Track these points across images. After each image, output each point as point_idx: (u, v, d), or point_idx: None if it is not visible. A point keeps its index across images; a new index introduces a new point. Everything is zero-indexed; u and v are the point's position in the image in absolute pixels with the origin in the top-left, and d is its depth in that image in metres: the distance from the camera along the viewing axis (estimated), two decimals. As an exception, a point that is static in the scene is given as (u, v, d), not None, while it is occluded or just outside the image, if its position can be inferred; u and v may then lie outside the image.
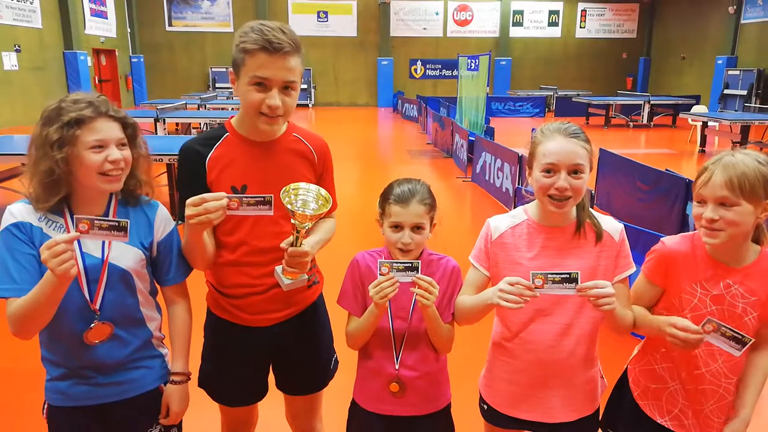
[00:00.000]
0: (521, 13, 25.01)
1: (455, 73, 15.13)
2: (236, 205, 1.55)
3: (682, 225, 5.28)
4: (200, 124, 12.10)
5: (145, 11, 23.29)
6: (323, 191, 1.71)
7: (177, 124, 12.56)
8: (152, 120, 9.87)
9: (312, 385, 2.06)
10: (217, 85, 22.75)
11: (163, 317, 1.79)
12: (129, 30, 22.75)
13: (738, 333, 1.44)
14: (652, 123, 17.05)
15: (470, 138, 9.53)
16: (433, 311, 1.69)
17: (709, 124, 12.11)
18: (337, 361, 2.10)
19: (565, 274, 1.49)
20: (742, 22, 19.66)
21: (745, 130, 11.08)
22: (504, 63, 24.61)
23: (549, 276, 1.49)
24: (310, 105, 24.20)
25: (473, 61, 11.84)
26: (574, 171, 1.61)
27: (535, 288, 1.49)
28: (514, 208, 1.86)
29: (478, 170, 8.78)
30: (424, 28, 24.73)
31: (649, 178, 6.03)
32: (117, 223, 1.41)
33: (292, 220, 1.62)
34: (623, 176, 6.58)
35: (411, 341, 1.78)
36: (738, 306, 1.58)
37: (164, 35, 23.77)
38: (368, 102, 25.05)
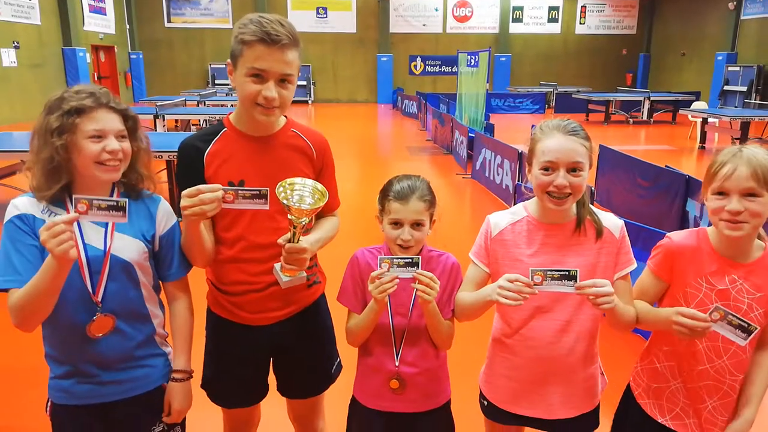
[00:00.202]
0: (521, 9, 24.97)
1: (455, 69, 15.11)
2: (232, 197, 1.55)
3: (682, 221, 5.28)
4: (200, 120, 12.08)
5: (144, 7, 23.25)
6: (319, 186, 1.70)
7: (176, 120, 12.53)
8: (151, 117, 9.86)
9: (312, 389, 2.04)
10: (216, 81, 22.70)
11: (166, 316, 1.79)
12: (128, 26, 22.71)
13: (744, 321, 1.45)
14: (652, 119, 17.04)
15: (470, 134, 9.53)
16: (433, 307, 1.69)
17: (709, 120, 12.11)
18: (340, 365, 2.08)
19: (564, 271, 1.49)
20: (742, 18, 19.63)
21: (745, 126, 11.08)
22: (504, 59, 24.58)
23: (548, 273, 1.49)
24: (309, 102, 24.17)
25: (473, 57, 11.83)
26: (573, 169, 1.61)
27: (534, 285, 1.49)
28: (514, 204, 1.85)
29: (477, 167, 8.78)
30: (424, 25, 24.69)
31: (649, 174, 6.03)
32: (116, 203, 1.41)
33: (289, 216, 1.61)
34: (623, 173, 6.58)
35: (411, 338, 1.78)
36: (744, 301, 1.58)
37: (163, 32, 23.73)
38: (368, 98, 25.02)
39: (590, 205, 1.73)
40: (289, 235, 1.65)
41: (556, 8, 25.15)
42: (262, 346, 1.91)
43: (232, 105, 13.06)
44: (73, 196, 1.42)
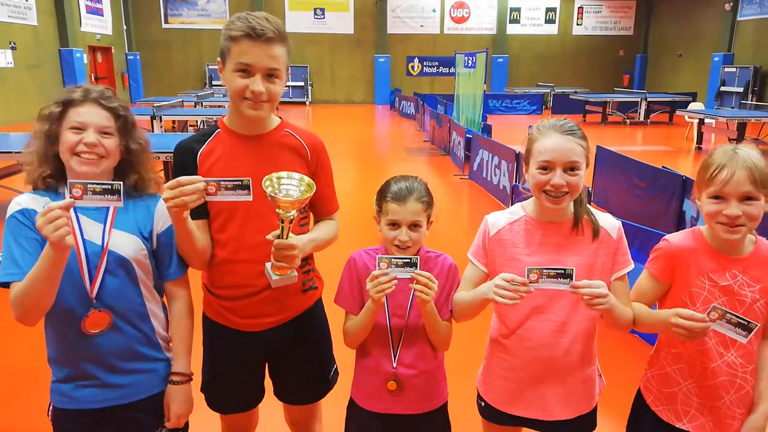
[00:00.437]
0: (518, 10, 25.00)
1: (452, 70, 15.11)
2: (214, 189, 1.54)
3: (679, 222, 5.30)
4: (197, 121, 12.06)
5: (141, 8, 23.22)
6: (307, 178, 1.67)
7: (174, 121, 12.51)
8: (149, 118, 9.84)
9: (309, 396, 2.03)
10: (213, 82, 22.67)
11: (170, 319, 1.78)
12: (125, 27, 22.68)
13: (743, 319, 1.45)
14: (648, 120, 17.07)
15: (467, 135, 9.53)
16: (431, 307, 1.69)
17: (706, 121, 12.14)
18: (337, 372, 2.07)
19: (560, 269, 1.49)
20: (739, 19, 19.69)
21: (742, 127, 11.11)
22: (501, 60, 24.61)
23: (544, 271, 1.49)
24: (307, 102, 24.16)
25: (470, 58, 11.83)
26: (570, 168, 1.61)
27: (530, 283, 1.50)
28: (512, 205, 1.86)
29: (475, 168, 8.78)
30: (421, 26, 24.71)
31: (646, 175, 6.04)
32: (110, 186, 1.42)
33: (277, 210, 1.59)
34: (620, 173, 6.59)
35: (408, 339, 1.78)
36: (747, 295, 1.60)
37: (160, 32, 23.70)
38: (365, 99, 25.02)
39: (588, 205, 1.73)
40: (278, 231, 1.62)
41: (554, 9, 25.20)
42: (255, 351, 1.89)
43: (229, 106, 13.02)
44: (68, 181, 1.44)
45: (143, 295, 1.66)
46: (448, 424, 1.90)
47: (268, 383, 2.01)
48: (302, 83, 23.90)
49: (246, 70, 1.65)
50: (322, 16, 24.16)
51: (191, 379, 1.75)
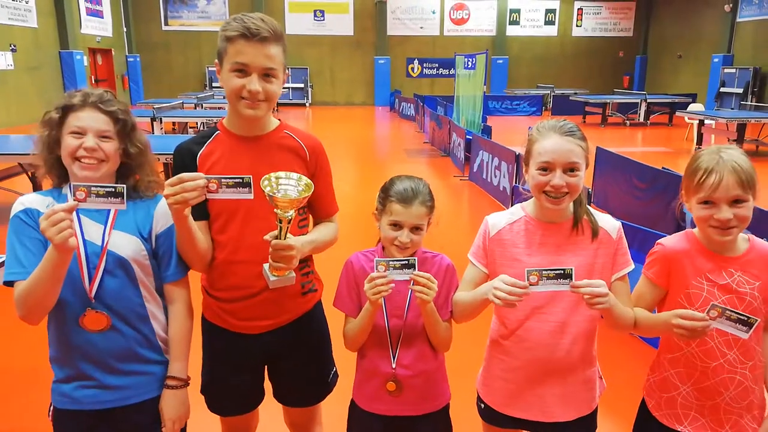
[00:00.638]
0: (518, 11, 25.02)
1: (452, 71, 15.13)
2: (215, 186, 1.54)
3: (679, 223, 5.29)
4: (197, 123, 12.07)
5: (141, 10, 23.24)
6: (305, 178, 1.67)
7: (174, 123, 12.52)
8: (149, 119, 9.85)
9: (308, 398, 2.03)
10: (213, 84, 22.68)
11: None
12: (125, 29, 22.70)
13: (743, 315, 1.47)
14: (648, 121, 17.07)
15: (467, 137, 9.53)
16: (431, 307, 1.69)
17: (706, 122, 12.14)
18: (336, 374, 2.07)
19: (559, 270, 1.49)
20: (738, 20, 19.70)
21: (741, 128, 11.10)
22: (501, 62, 24.62)
23: (543, 272, 1.49)
24: (307, 104, 24.17)
25: (470, 59, 11.84)
26: (570, 169, 1.61)
27: (530, 285, 1.50)
28: (512, 206, 1.86)
29: (475, 169, 8.79)
30: (421, 27, 24.73)
31: (646, 176, 6.04)
32: (113, 189, 1.43)
33: (275, 210, 1.58)
34: (620, 174, 6.59)
35: (407, 340, 1.78)
36: (746, 292, 1.61)
37: (160, 34, 23.72)
38: (365, 101, 25.03)
39: (587, 206, 1.74)
40: (276, 231, 1.61)
41: (553, 11, 25.22)
42: (254, 354, 1.89)
43: (228, 108, 13.02)
44: (72, 184, 1.47)
45: (143, 296, 1.67)
46: (449, 426, 1.90)
47: (267, 385, 2.01)
48: (302, 85, 23.91)
49: (242, 70, 1.66)
50: (322, 18, 24.18)
51: (188, 384, 1.74)
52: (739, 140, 10.86)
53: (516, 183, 6.70)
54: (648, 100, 17.19)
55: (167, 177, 1.58)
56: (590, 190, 7.04)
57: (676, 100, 17.19)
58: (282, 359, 1.93)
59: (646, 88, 24.21)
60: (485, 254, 1.76)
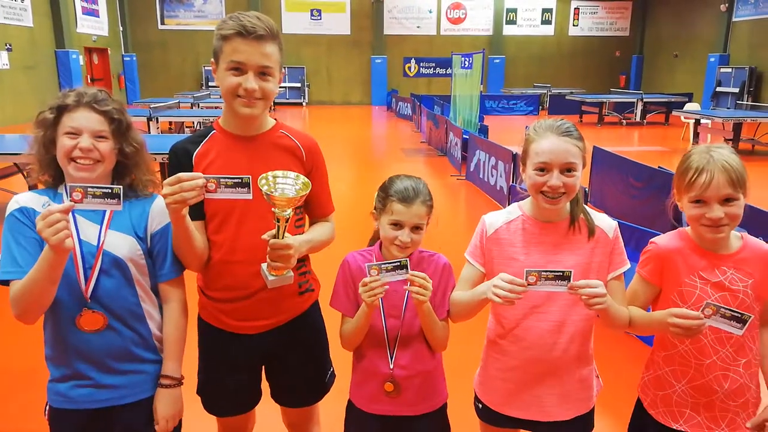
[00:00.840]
0: (514, 11, 25.04)
1: (449, 71, 15.13)
2: (214, 186, 1.54)
3: (675, 222, 5.30)
4: (193, 122, 12.04)
5: (138, 9, 23.17)
6: (302, 177, 1.66)
7: (170, 122, 12.49)
8: (145, 119, 9.82)
9: (305, 398, 2.03)
10: (210, 83, 22.65)
11: None
12: (121, 28, 22.63)
13: (737, 312, 1.48)
14: (645, 121, 17.12)
15: (464, 136, 9.54)
16: (428, 307, 1.69)
17: (702, 121, 12.17)
18: (333, 374, 2.07)
19: (558, 271, 1.50)
20: (734, 19, 19.75)
21: (737, 127, 11.13)
22: (498, 61, 24.63)
23: (542, 273, 1.50)
24: (303, 103, 24.15)
25: (467, 59, 11.84)
26: (567, 169, 1.62)
27: (528, 285, 1.50)
28: (509, 205, 1.86)
29: (472, 168, 8.79)
30: (418, 26, 24.72)
31: (642, 175, 6.06)
32: (110, 190, 1.43)
33: (273, 209, 1.58)
34: (616, 174, 6.60)
35: (404, 340, 1.78)
36: (739, 289, 1.62)
37: (157, 33, 23.66)
38: (362, 100, 25.02)
39: (584, 205, 1.74)
40: (273, 231, 1.61)
41: (550, 10, 25.24)
42: (251, 354, 1.89)
43: (224, 107, 12.99)
44: (68, 185, 1.46)
45: (139, 295, 1.66)
46: (447, 426, 1.90)
47: (265, 385, 2.00)
48: (299, 84, 23.88)
49: (238, 68, 1.66)
50: (319, 17, 24.16)
51: (181, 383, 1.74)
52: (735, 140, 10.90)
53: (513, 182, 6.71)
54: (644, 100, 17.23)
55: (163, 176, 1.58)
56: (587, 189, 7.05)
57: (673, 100, 17.23)
58: (279, 359, 1.93)
59: (642, 87, 24.26)
60: (482, 253, 1.76)
